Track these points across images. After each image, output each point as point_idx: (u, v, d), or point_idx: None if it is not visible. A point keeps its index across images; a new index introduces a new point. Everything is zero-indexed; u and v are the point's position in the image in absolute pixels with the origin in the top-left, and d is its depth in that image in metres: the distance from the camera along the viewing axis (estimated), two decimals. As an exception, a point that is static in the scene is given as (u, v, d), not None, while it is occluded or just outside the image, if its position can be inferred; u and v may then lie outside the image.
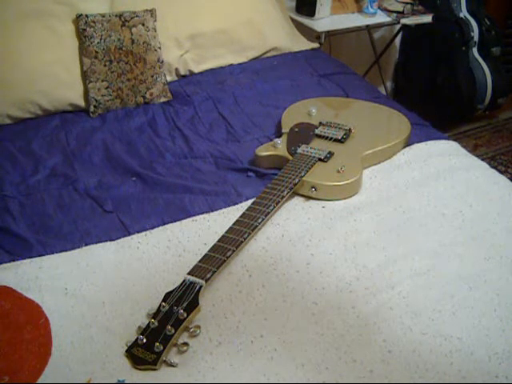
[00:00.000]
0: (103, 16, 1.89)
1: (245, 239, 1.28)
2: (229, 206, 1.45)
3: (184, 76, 2.09)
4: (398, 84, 3.22)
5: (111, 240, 1.34)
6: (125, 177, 1.58)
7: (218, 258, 1.22)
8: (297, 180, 1.46)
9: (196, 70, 2.09)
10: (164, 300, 1.12)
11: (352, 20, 2.54)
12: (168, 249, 1.32)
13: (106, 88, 1.87)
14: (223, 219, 1.40)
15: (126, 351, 1.05)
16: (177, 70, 2.06)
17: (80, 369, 1.03)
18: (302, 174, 1.48)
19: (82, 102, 1.88)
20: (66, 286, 1.21)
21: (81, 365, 1.04)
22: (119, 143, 1.72)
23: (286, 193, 1.42)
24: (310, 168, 1.50)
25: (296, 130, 1.70)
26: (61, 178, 1.57)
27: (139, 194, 1.51)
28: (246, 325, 1.12)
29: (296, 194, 1.49)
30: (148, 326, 1.07)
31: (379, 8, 2.60)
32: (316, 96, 1.93)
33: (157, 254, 1.30)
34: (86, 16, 1.87)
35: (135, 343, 1.05)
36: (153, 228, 1.38)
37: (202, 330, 1.10)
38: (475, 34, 2.87)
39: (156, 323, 1.06)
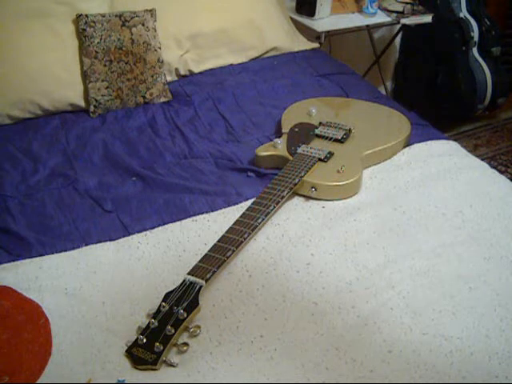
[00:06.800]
0: (103, 16, 1.89)
1: (245, 239, 1.28)
2: (229, 206, 1.45)
3: (184, 76, 2.09)
4: (398, 84, 3.22)
5: (111, 240, 1.34)
6: (125, 177, 1.58)
7: (218, 258, 1.22)
8: (297, 180, 1.46)
9: (196, 70, 2.09)
10: (164, 300, 1.12)
11: (352, 20, 2.54)
12: (168, 249, 1.32)
13: (106, 88, 1.87)
14: (223, 219, 1.40)
15: (126, 351, 1.05)
16: (177, 69, 2.06)
17: (80, 369, 1.03)
18: (302, 174, 1.48)
19: (82, 102, 1.88)
20: (66, 286, 1.21)
21: (81, 365, 1.04)
22: (119, 143, 1.72)
23: (286, 193, 1.42)
24: (309, 168, 1.50)
25: (296, 130, 1.70)
26: (61, 178, 1.57)
27: (139, 194, 1.51)
28: (246, 325, 1.12)
29: (296, 194, 1.49)
30: (148, 326, 1.07)
31: (379, 8, 2.60)
32: (316, 96, 1.93)
33: (157, 254, 1.30)
34: (86, 16, 1.87)
35: (135, 343, 1.05)
36: (153, 228, 1.38)
37: (202, 330, 1.10)
38: (475, 34, 2.87)
39: (156, 323, 1.07)
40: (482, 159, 1.68)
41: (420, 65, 3.00)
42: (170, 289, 1.15)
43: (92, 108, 1.86)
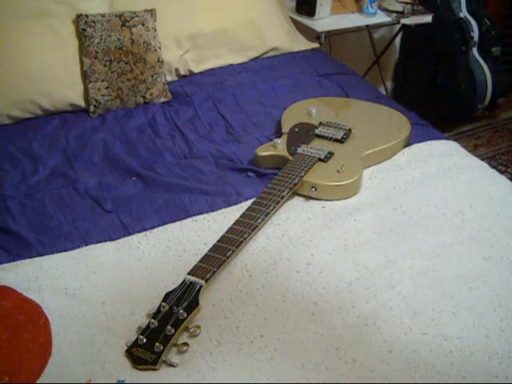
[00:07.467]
0: (103, 16, 1.89)
1: (245, 239, 1.28)
2: (229, 206, 1.45)
3: (184, 76, 2.09)
4: (398, 84, 3.22)
5: (111, 240, 1.34)
6: (125, 177, 1.58)
7: (218, 258, 1.22)
8: (297, 180, 1.46)
9: (196, 70, 2.09)
10: (164, 300, 1.12)
11: (352, 20, 2.54)
12: (168, 249, 1.32)
13: (106, 88, 1.87)
14: (223, 219, 1.40)
15: (126, 351, 1.05)
16: (177, 69, 2.06)
17: (80, 369, 1.03)
18: (302, 174, 1.48)
19: (82, 102, 1.88)
20: (66, 286, 1.21)
21: (81, 365, 1.04)
22: (119, 143, 1.72)
23: (286, 193, 1.42)
24: (309, 168, 1.50)
25: (296, 130, 1.70)
26: (61, 178, 1.57)
27: (139, 194, 1.51)
28: (246, 325, 1.12)
29: (296, 194, 1.49)
30: (148, 326, 1.07)
31: (379, 8, 2.60)
32: (316, 96, 1.93)
33: (157, 254, 1.30)
34: (86, 16, 1.87)
35: (135, 343, 1.05)
36: (153, 228, 1.38)
37: (202, 330, 1.10)
38: (475, 34, 2.87)
39: (156, 323, 1.06)
40: (482, 159, 1.68)
41: (420, 65, 3.00)
42: (170, 289, 1.15)
43: (92, 108, 1.86)
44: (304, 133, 1.68)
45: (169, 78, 2.03)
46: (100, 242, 1.34)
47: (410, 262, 1.27)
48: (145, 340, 1.04)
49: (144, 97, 1.92)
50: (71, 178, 1.57)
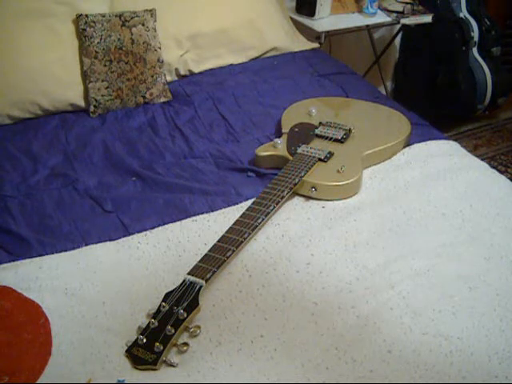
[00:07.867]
0: (103, 16, 1.89)
1: (245, 239, 1.28)
2: (229, 205, 1.45)
3: (184, 76, 2.09)
4: (398, 84, 3.22)
5: (111, 240, 1.34)
6: (125, 177, 1.58)
7: (218, 258, 1.22)
8: (297, 180, 1.46)
9: (196, 70, 2.09)
10: (164, 300, 1.12)
11: (352, 20, 2.54)
12: (168, 249, 1.32)
13: (106, 88, 1.87)
14: (223, 219, 1.40)
15: (126, 351, 1.05)
16: (177, 69, 2.06)
17: (80, 369, 1.03)
18: (302, 174, 1.48)
19: (82, 102, 1.88)
20: (66, 286, 1.21)
21: (81, 365, 1.04)
22: (119, 143, 1.72)
23: (286, 193, 1.42)
24: (309, 168, 1.50)
25: (296, 130, 1.70)
26: (61, 178, 1.56)
27: (139, 194, 1.51)
28: (246, 325, 1.12)
29: (296, 194, 1.49)
30: (148, 326, 1.07)
31: (379, 8, 2.60)
32: (316, 96, 1.93)
33: (157, 254, 1.30)
34: (86, 16, 1.87)
35: (135, 343, 1.05)
36: (153, 228, 1.38)
37: (202, 330, 1.10)
38: (475, 34, 2.87)
39: (156, 323, 1.07)
40: (482, 159, 1.68)
41: (420, 65, 3.00)
42: (170, 289, 1.15)
43: (92, 108, 1.86)
44: (304, 133, 1.68)
45: (169, 78, 2.02)
46: (100, 242, 1.34)
47: (410, 262, 1.27)
48: (145, 340, 1.04)
49: (144, 97, 1.92)
50: (71, 177, 1.57)
